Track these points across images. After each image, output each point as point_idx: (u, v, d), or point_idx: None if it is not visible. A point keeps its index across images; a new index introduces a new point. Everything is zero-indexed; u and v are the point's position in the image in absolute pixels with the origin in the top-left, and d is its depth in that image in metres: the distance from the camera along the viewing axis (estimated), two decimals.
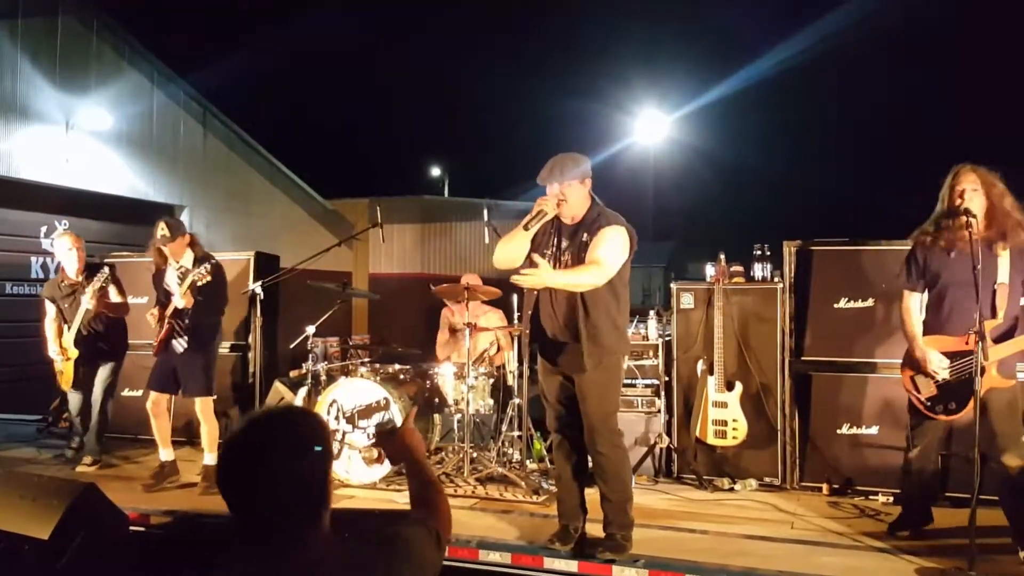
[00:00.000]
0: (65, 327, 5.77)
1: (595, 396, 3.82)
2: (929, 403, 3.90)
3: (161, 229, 5.15)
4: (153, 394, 5.20)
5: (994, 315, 3.72)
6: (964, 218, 3.69)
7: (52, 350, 5.86)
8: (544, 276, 3.62)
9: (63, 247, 5.80)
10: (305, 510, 1.64)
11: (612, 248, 3.75)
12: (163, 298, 5.23)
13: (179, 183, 10.72)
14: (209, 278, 4.96)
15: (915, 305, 4.01)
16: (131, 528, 4.19)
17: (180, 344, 5.13)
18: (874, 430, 5.04)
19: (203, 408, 5.20)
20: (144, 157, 10.14)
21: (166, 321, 5.11)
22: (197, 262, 5.13)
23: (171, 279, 5.18)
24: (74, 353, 5.74)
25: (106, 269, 5.78)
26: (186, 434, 6.25)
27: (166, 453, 5.26)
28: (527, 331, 4.02)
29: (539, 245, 3.95)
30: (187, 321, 5.11)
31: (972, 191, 3.78)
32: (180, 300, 4.98)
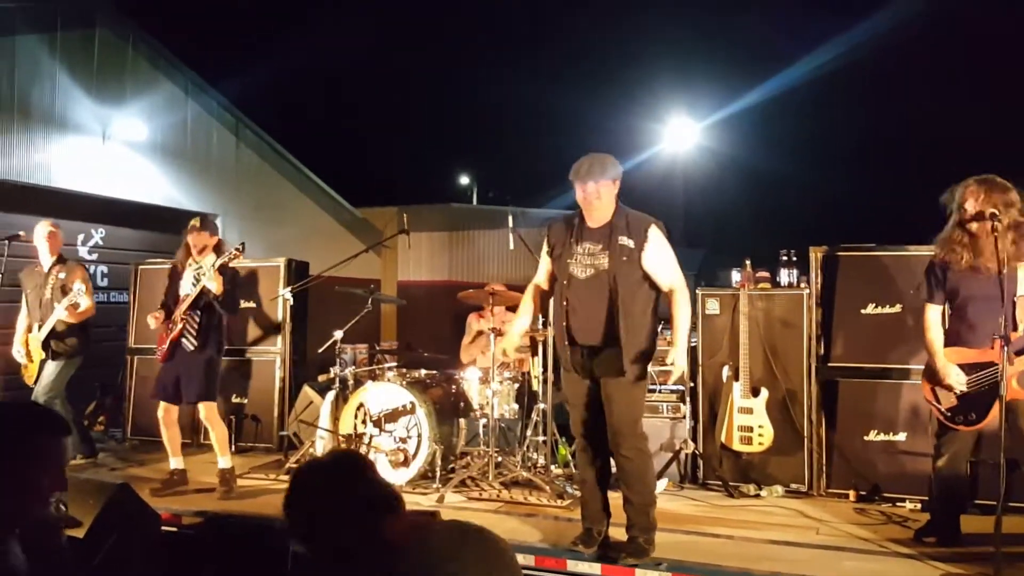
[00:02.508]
0: (35, 327, 5.75)
1: (622, 400, 3.83)
2: (949, 414, 3.89)
3: (195, 219, 5.26)
4: (163, 403, 5.18)
5: (1015, 327, 3.69)
6: (990, 223, 3.68)
7: (17, 349, 5.85)
8: (679, 364, 3.86)
9: (39, 235, 5.87)
10: (358, 528, 1.89)
11: (669, 259, 3.87)
12: (172, 301, 5.22)
13: (212, 192, 10.89)
14: (239, 256, 5.02)
15: (935, 318, 4.00)
16: (163, 528, 4.28)
17: (190, 342, 5.06)
18: (902, 436, 5.00)
19: (207, 413, 5.16)
20: (178, 166, 10.32)
21: (179, 318, 5.06)
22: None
23: (187, 279, 5.19)
24: (40, 356, 5.72)
25: (73, 264, 5.88)
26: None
27: (176, 462, 5.25)
28: (561, 338, 3.97)
29: (560, 256, 3.95)
30: (201, 316, 5.07)
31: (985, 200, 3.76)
32: (211, 283, 4.94)
